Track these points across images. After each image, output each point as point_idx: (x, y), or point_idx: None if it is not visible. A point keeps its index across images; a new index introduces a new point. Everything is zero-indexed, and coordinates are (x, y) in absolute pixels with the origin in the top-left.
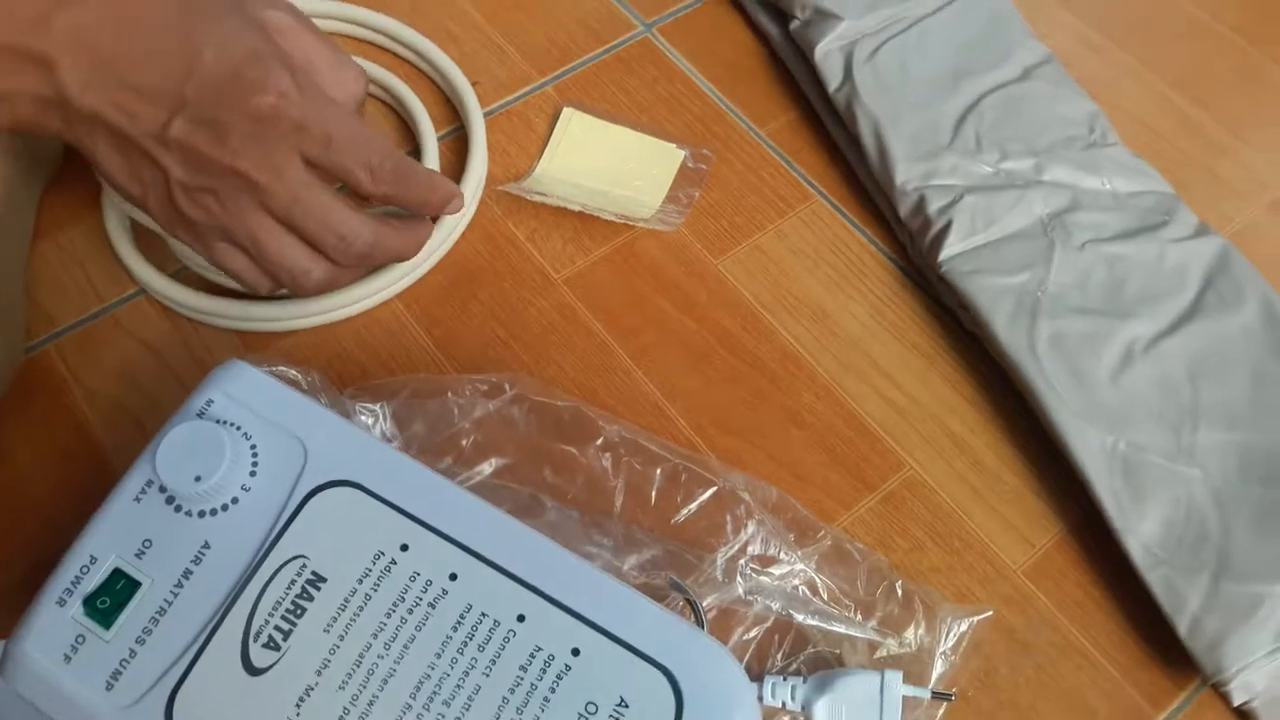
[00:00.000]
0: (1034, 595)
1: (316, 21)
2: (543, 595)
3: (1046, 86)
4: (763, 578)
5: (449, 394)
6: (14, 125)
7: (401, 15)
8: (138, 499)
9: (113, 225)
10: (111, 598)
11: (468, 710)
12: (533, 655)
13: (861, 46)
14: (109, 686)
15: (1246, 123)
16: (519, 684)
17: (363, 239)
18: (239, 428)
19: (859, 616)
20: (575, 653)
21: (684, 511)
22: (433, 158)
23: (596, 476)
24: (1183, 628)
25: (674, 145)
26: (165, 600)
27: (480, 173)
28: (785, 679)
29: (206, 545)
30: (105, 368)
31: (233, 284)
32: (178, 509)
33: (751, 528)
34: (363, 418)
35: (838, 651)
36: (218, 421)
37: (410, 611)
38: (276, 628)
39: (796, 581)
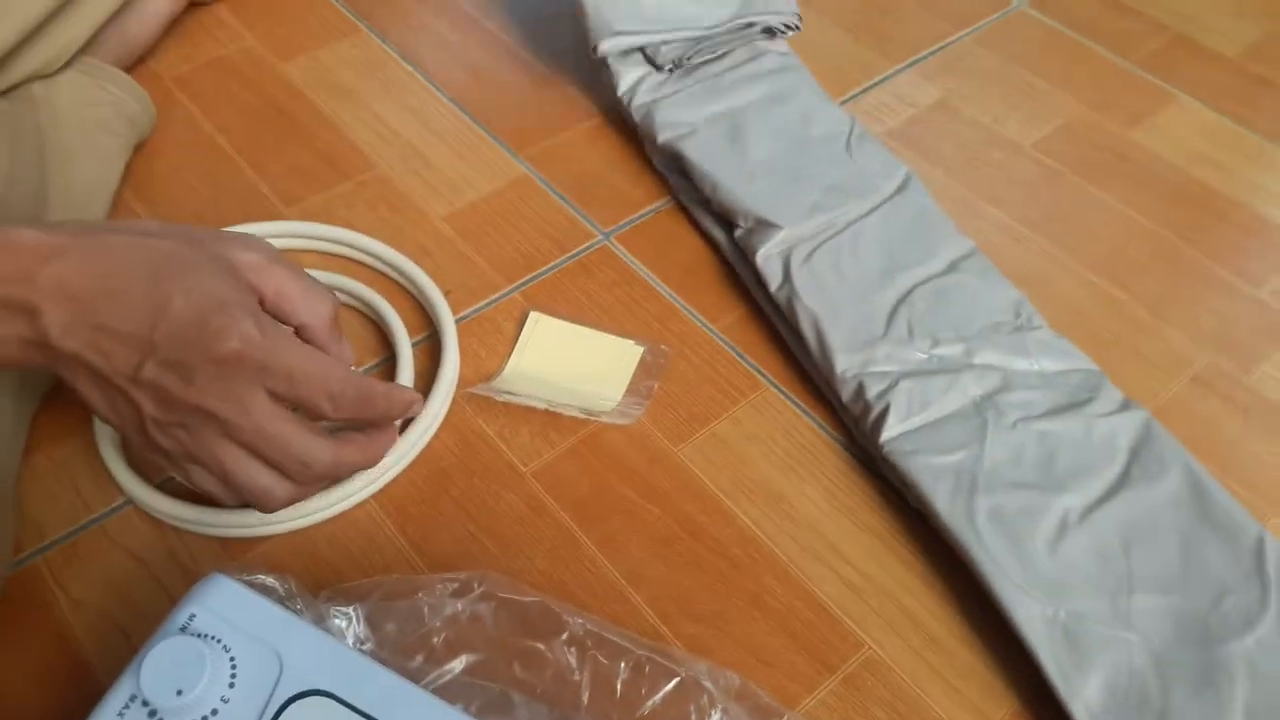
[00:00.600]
0: None
1: (306, 243)
2: None
3: (972, 278)
4: None
5: (419, 594)
6: (3, 363)
7: (384, 234)
8: (121, 714)
9: (103, 440)
10: None
11: None
12: None
13: (799, 250)
14: None
15: (1165, 302)
16: None
17: (322, 462)
18: (219, 640)
19: None
20: None
21: (649, 703)
22: (407, 363)
23: (563, 671)
24: None
25: (633, 342)
26: None
27: (452, 376)
28: None
29: None
30: (92, 578)
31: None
32: None
33: (716, 718)
34: (337, 621)
35: None
36: (199, 635)
37: None
38: None
39: None
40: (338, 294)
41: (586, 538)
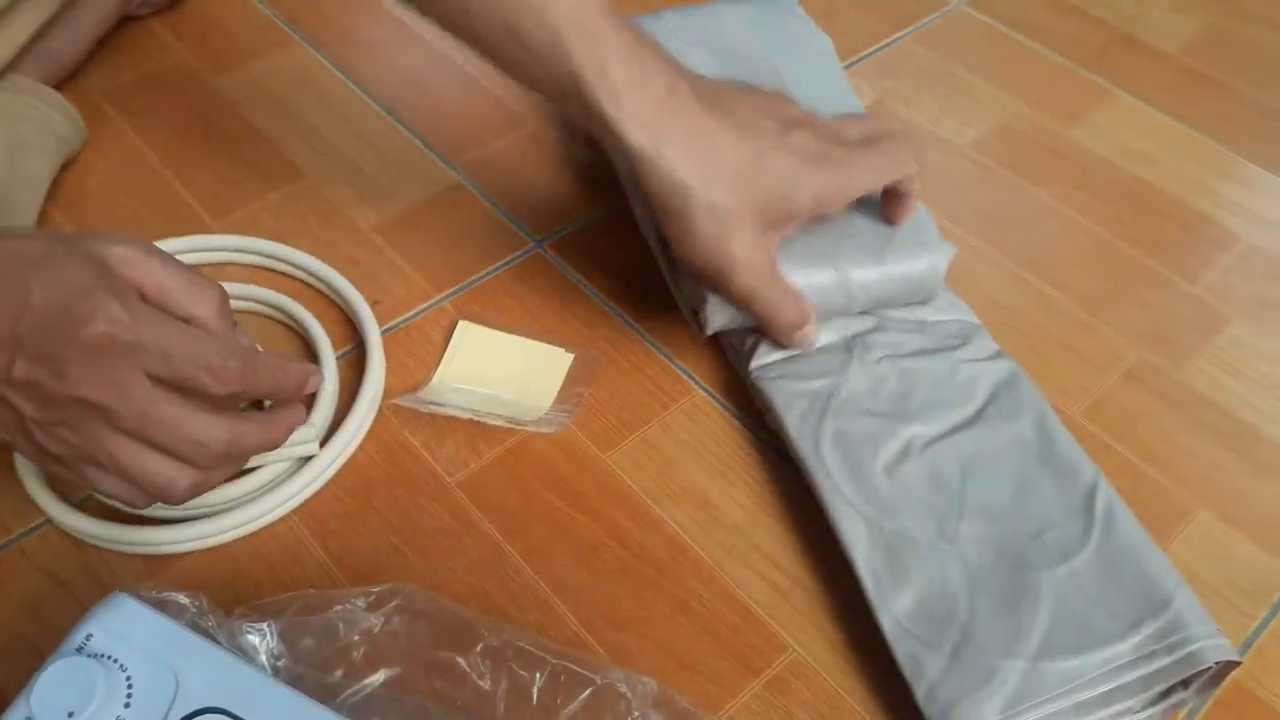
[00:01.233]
0: None
1: (230, 256)
2: None
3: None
4: None
5: (334, 608)
6: None
7: (313, 245)
8: None
9: (20, 459)
10: None
11: None
12: None
13: None
14: None
15: (1099, 299)
16: None
17: (218, 439)
18: (116, 660)
19: None
20: None
21: (565, 711)
22: (331, 376)
23: (480, 683)
24: (920, 693)
25: (563, 350)
26: None
27: (376, 387)
28: None
29: None
30: (8, 599)
31: (134, 511)
32: None
33: None
34: (250, 638)
35: None
36: (96, 655)
37: None
38: None
39: None
40: (261, 307)
41: (512, 548)
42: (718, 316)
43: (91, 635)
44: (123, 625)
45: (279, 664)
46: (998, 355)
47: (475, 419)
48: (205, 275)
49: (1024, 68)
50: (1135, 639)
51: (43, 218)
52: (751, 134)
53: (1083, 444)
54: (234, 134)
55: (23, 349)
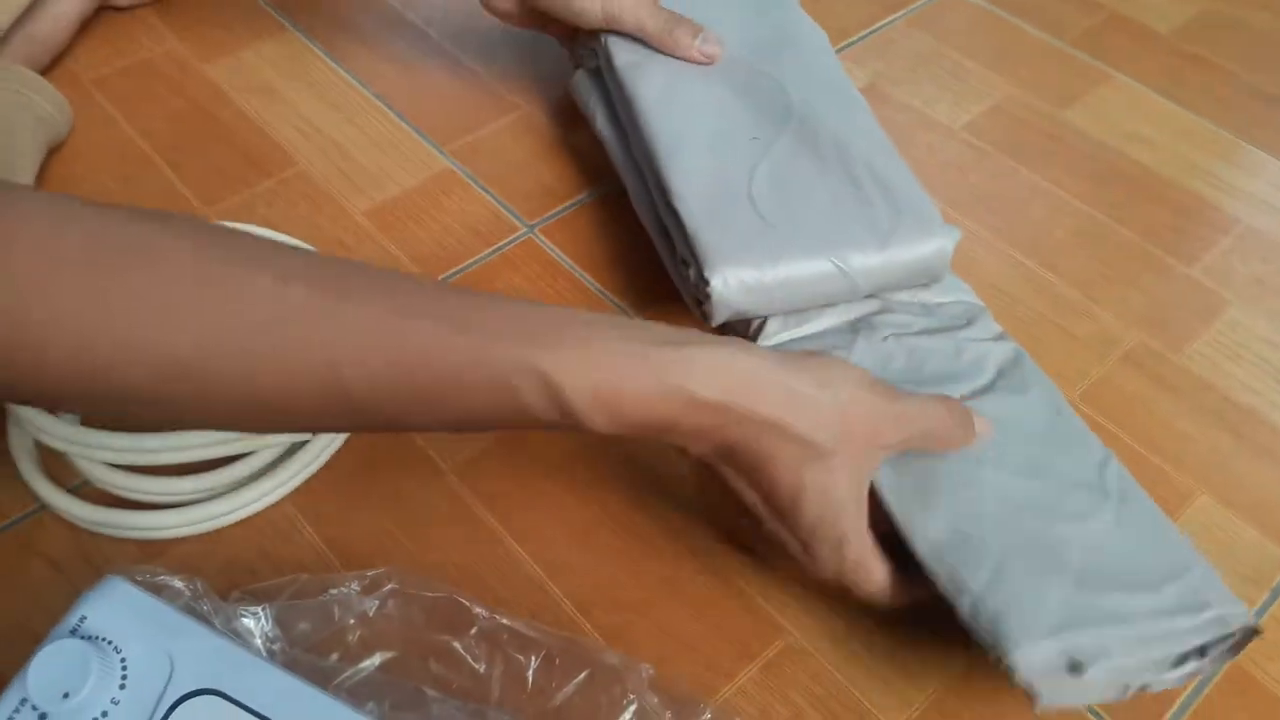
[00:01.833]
0: None
1: None
2: None
3: None
4: None
5: (330, 591)
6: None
7: (304, 231)
8: (12, 717)
9: (15, 445)
10: None
11: None
12: None
13: None
14: None
15: (1095, 282)
16: None
17: None
18: (110, 642)
19: None
20: None
21: (561, 694)
22: None
23: (474, 665)
24: (965, 608)
25: None
26: None
27: None
28: None
29: None
30: (4, 584)
31: (130, 496)
32: None
33: (629, 709)
34: (245, 621)
35: None
36: (90, 637)
37: None
38: None
39: None
40: None
41: (506, 531)
42: (723, 309)
43: (86, 617)
44: (117, 608)
45: (274, 647)
46: (1002, 336)
47: None
48: None
49: (1017, 50)
50: (1168, 590)
51: None
52: None
53: None
54: (225, 121)
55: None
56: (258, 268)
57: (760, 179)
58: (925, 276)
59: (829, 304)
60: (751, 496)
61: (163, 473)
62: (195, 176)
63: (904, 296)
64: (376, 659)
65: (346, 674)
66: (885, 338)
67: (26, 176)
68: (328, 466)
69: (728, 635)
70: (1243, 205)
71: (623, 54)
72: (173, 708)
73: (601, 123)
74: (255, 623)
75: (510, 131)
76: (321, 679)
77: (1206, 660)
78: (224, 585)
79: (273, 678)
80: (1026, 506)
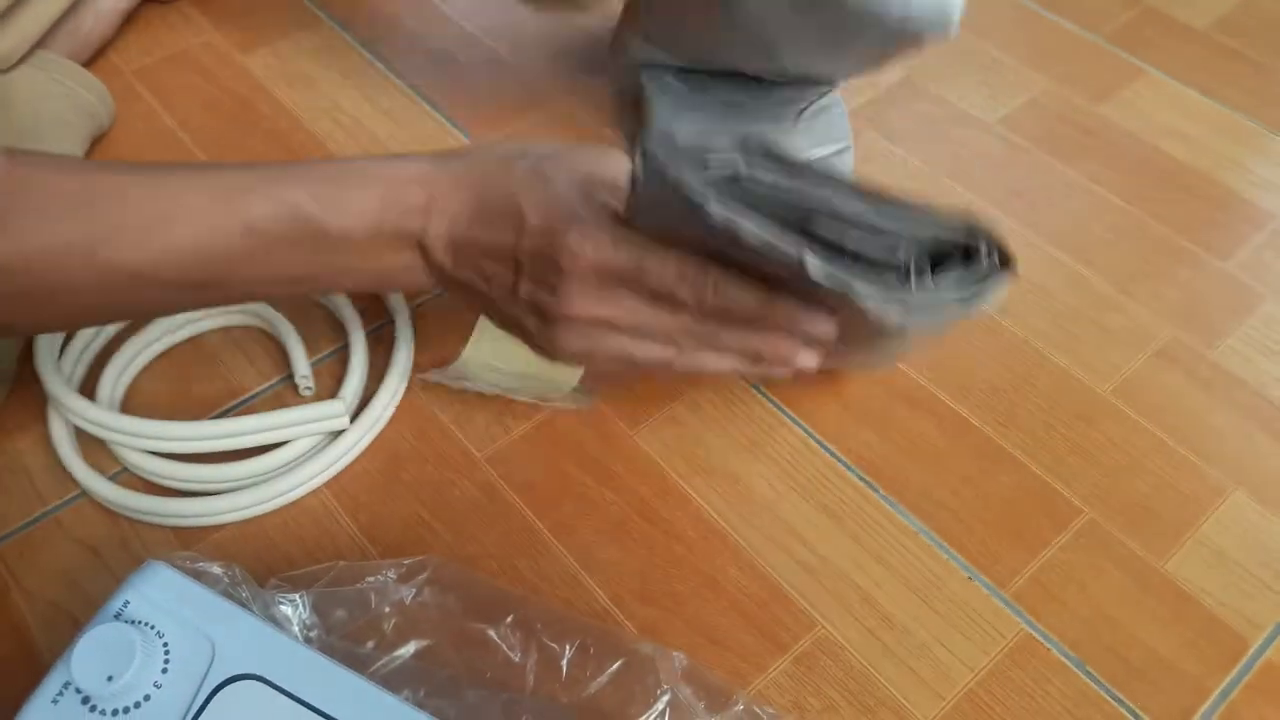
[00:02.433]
0: None
1: None
2: None
3: None
4: None
5: (367, 579)
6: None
7: None
8: (55, 700)
9: (57, 432)
10: None
11: None
12: None
13: None
14: None
15: (1128, 277)
16: None
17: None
18: (153, 627)
19: None
20: None
21: (595, 684)
22: (360, 351)
23: (510, 654)
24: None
25: None
26: None
27: (406, 362)
28: None
29: None
30: (46, 569)
31: (167, 484)
32: (93, 709)
33: (663, 699)
34: (283, 608)
35: None
36: (133, 622)
37: None
38: None
39: None
40: None
41: (540, 522)
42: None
43: (129, 602)
44: (159, 593)
45: (311, 634)
46: None
47: (503, 395)
48: None
49: (1053, 44)
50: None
51: None
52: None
53: (1114, 423)
54: (263, 112)
55: (523, 270)
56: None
57: None
58: None
59: None
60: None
61: (200, 460)
62: None
63: None
64: (412, 647)
65: (382, 661)
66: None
67: None
68: (363, 456)
69: (760, 628)
70: (1278, 200)
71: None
72: (214, 692)
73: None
74: (293, 609)
75: (544, 124)
76: (357, 666)
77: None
78: (261, 572)
79: (312, 663)
80: None
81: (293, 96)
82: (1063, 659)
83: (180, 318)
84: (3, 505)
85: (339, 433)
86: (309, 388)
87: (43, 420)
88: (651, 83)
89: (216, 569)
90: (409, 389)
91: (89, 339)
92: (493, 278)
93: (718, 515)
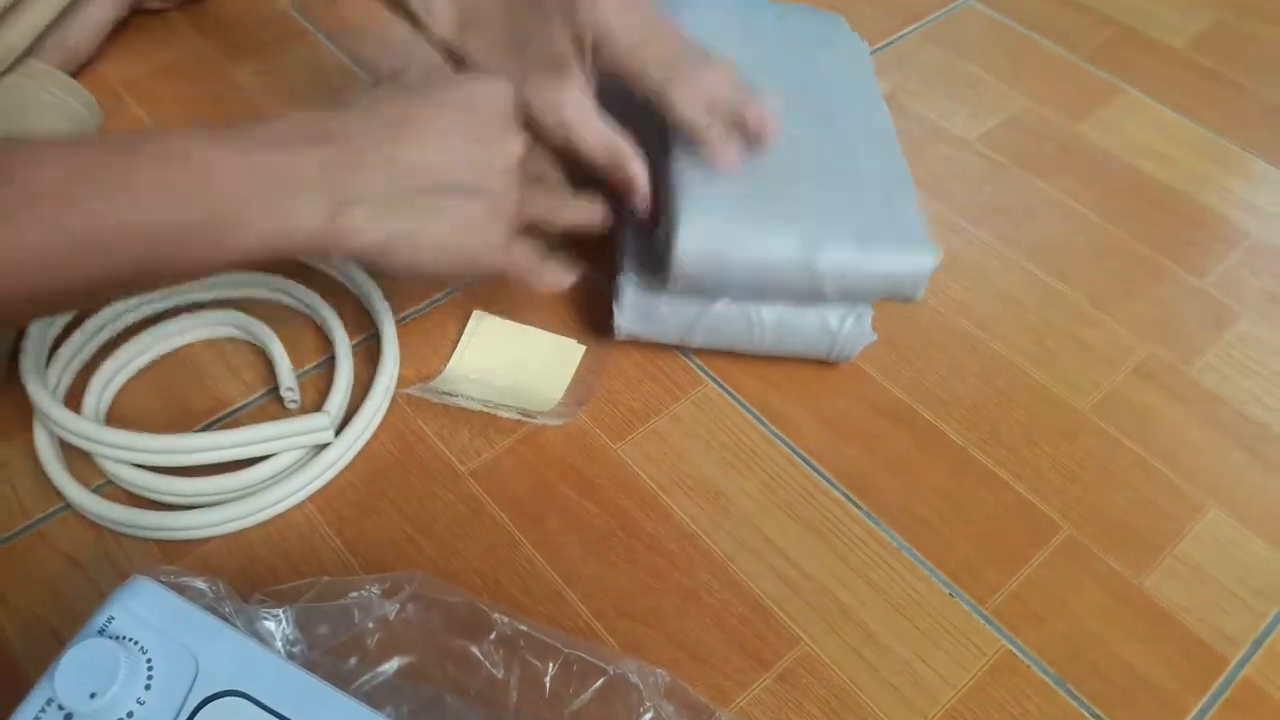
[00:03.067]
0: None
1: None
2: None
3: None
4: None
5: (350, 595)
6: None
7: None
8: (38, 718)
9: (41, 443)
10: None
11: None
12: None
13: None
14: None
15: (1107, 293)
16: None
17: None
18: (136, 643)
19: None
20: None
21: (577, 701)
22: (346, 364)
23: (493, 671)
24: None
25: (575, 341)
26: None
27: (390, 377)
28: None
29: None
30: (28, 582)
31: (152, 496)
32: None
33: (645, 717)
34: (266, 623)
35: None
36: (117, 638)
37: None
38: None
39: None
40: (276, 295)
41: (524, 537)
42: (681, 276)
43: (113, 618)
44: (143, 608)
45: (294, 650)
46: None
47: (487, 410)
48: None
49: (1032, 63)
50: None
51: None
52: None
53: (1093, 439)
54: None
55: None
56: None
57: (759, 162)
58: (895, 293)
59: (790, 298)
60: None
61: (185, 474)
62: None
63: None
64: (395, 663)
65: (365, 677)
66: None
67: None
68: (348, 470)
69: (743, 644)
70: (1253, 218)
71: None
72: (198, 709)
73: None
74: (276, 625)
75: None
76: (340, 682)
77: None
78: (245, 586)
79: (296, 680)
80: None
81: (280, 108)
82: (1043, 676)
83: (167, 329)
84: None
85: (324, 446)
86: (294, 400)
87: (27, 431)
88: None
89: (200, 583)
90: (394, 403)
91: (75, 350)
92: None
93: (700, 530)
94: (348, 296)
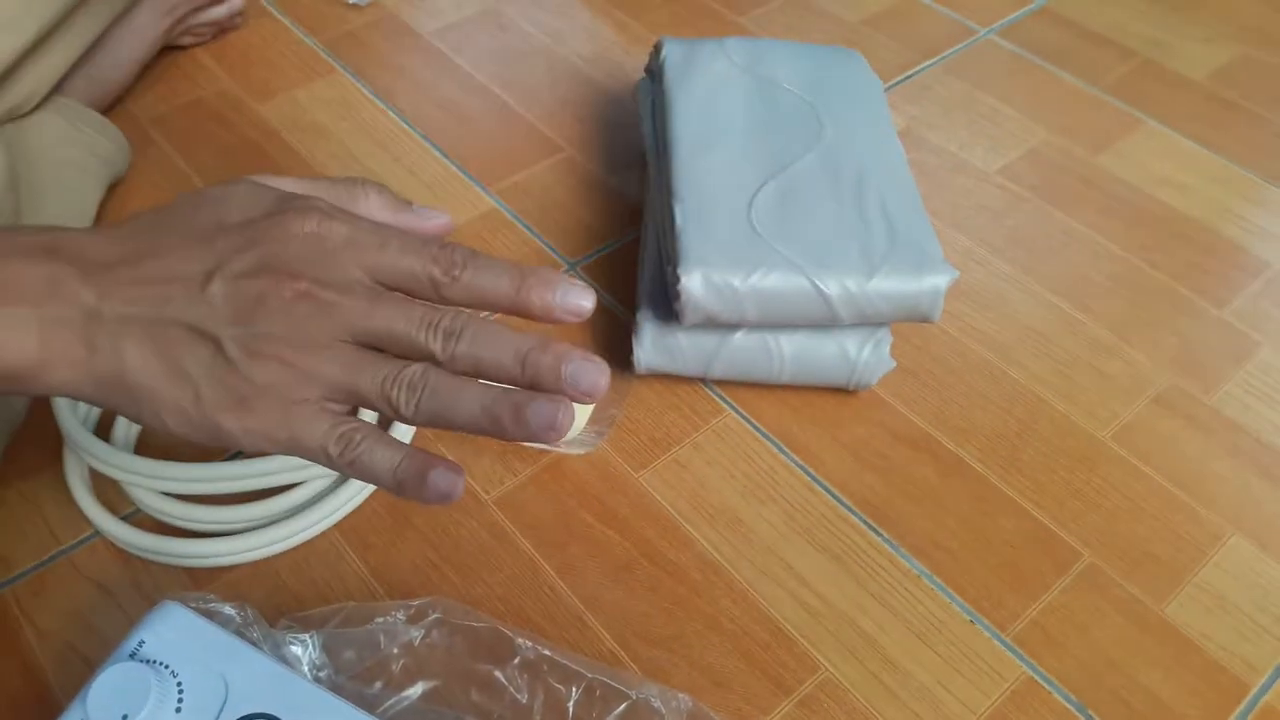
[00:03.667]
0: None
1: None
2: None
3: None
4: None
5: (376, 620)
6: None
7: None
8: None
9: (71, 472)
10: None
11: None
12: None
13: None
14: None
15: (1127, 324)
16: None
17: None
18: (167, 666)
19: None
20: None
21: None
22: None
23: (516, 695)
24: None
25: None
26: None
27: None
28: None
29: None
30: (59, 609)
31: (180, 524)
32: None
33: None
34: (293, 648)
35: None
36: (147, 661)
37: None
38: None
39: None
40: None
41: (546, 564)
42: (691, 310)
43: (144, 642)
44: (173, 632)
45: (321, 674)
46: None
47: None
48: None
49: (1052, 96)
50: None
51: None
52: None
53: (1115, 468)
54: (277, 160)
55: (223, 269)
56: None
57: (766, 194)
58: (913, 314)
59: (806, 325)
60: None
61: (213, 502)
62: None
63: None
64: (420, 688)
65: (390, 701)
66: None
67: (89, 210)
68: (373, 498)
69: (763, 670)
70: (1273, 248)
71: (675, 54)
72: None
73: (646, 127)
74: (303, 649)
75: (553, 172)
76: (366, 706)
77: None
78: (271, 612)
79: (324, 703)
80: None
81: (307, 144)
82: (1064, 702)
83: None
84: (17, 545)
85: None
86: None
87: (58, 461)
88: None
89: (229, 609)
90: (417, 432)
91: None
92: (170, 297)
93: (721, 558)
94: None
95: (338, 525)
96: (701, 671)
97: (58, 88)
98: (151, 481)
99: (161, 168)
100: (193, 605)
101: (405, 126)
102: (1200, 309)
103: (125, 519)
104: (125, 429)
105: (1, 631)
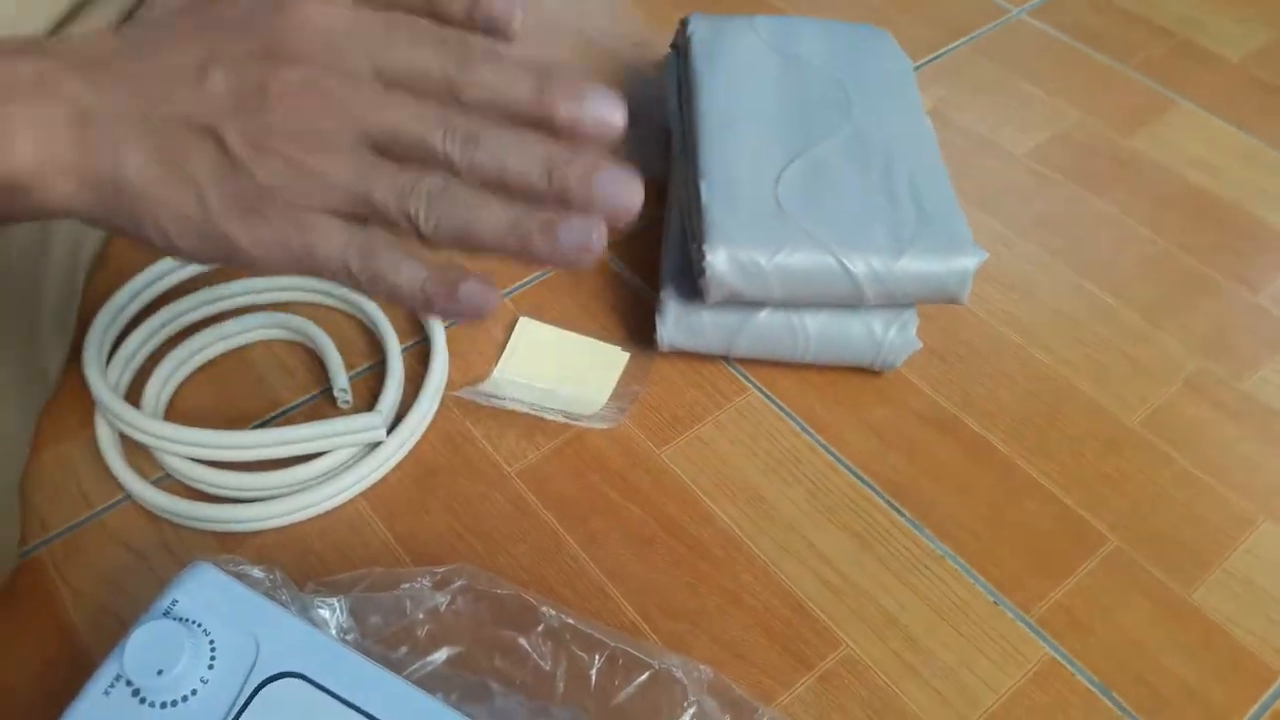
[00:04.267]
0: None
1: None
2: None
3: None
4: None
5: (402, 586)
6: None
7: None
8: (107, 692)
9: (104, 437)
10: None
11: None
12: None
13: None
14: None
15: (1159, 308)
16: None
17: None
18: (200, 625)
19: None
20: None
21: (623, 693)
22: (397, 367)
23: (540, 662)
24: None
25: (619, 348)
26: None
27: (440, 380)
28: None
29: None
30: (92, 570)
31: (210, 490)
32: (142, 701)
33: (689, 711)
34: (321, 611)
35: None
36: (181, 620)
37: None
38: None
39: None
40: (329, 299)
41: (569, 536)
42: (717, 287)
43: (177, 600)
44: (206, 592)
45: (348, 638)
46: None
47: (533, 413)
48: None
49: (1083, 76)
50: None
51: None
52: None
53: (1143, 453)
54: None
55: (220, 56)
56: None
57: (793, 172)
58: (940, 295)
59: (831, 304)
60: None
61: (242, 468)
62: None
63: None
64: (444, 653)
65: (415, 665)
66: None
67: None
68: (398, 468)
69: (784, 645)
70: None
71: (702, 30)
72: (259, 688)
73: (672, 104)
74: (330, 613)
75: None
76: (391, 669)
77: None
78: (299, 577)
79: (353, 664)
80: None
81: None
82: (1088, 684)
83: (226, 329)
84: (52, 507)
85: (376, 444)
86: (346, 400)
87: (90, 426)
88: None
89: (257, 572)
90: (443, 405)
91: (136, 347)
92: (171, 96)
93: (743, 534)
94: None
95: (364, 494)
96: (722, 645)
97: None
98: (181, 447)
99: None
100: (224, 567)
101: None
102: (1233, 293)
103: (155, 483)
104: (156, 396)
105: (40, 590)
